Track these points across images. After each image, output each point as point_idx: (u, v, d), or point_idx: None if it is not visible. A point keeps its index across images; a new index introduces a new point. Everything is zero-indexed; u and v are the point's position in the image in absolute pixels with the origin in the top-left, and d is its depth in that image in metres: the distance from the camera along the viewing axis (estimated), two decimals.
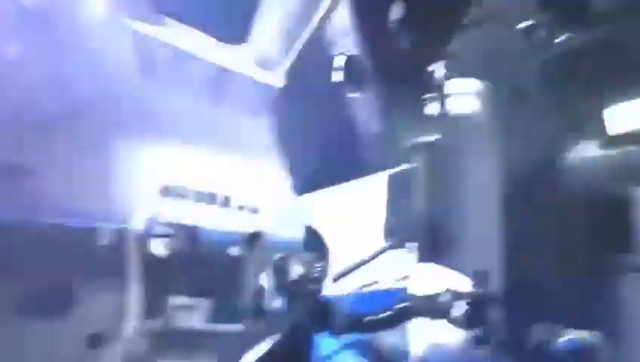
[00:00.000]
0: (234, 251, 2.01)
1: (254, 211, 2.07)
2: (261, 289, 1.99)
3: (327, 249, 1.66)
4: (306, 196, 1.86)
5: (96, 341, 2.53)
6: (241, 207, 2.05)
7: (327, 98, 1.51)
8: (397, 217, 1.50)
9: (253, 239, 2.00)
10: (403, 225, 1.37)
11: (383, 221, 1.57)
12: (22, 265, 2.12)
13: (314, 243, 1.80)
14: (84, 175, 1.67)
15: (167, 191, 1.89)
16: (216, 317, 2.42)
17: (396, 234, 1.43)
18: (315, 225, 1.84)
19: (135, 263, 1.75)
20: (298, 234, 2.27)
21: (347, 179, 1.49)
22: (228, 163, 1.96)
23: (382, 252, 1.34)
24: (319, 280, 1.01)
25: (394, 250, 1.35)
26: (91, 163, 1.73)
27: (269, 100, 1.61)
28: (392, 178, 1.55)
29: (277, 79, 1.64)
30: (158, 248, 1.80)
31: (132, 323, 2.32)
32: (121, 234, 1.73)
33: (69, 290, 2.35)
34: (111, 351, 2.48)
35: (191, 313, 2.35)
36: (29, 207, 1.79)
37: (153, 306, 1.95)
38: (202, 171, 1.98)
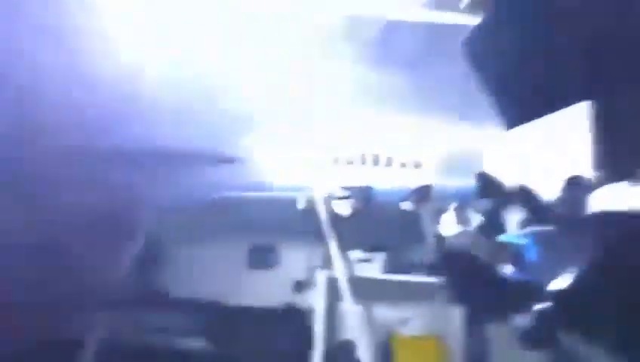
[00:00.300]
0: (406, 206, 2.11)
1: (417, 166, 2.10)
2: (440, 238, 2.05)
3: (506, 193, 1.54)
4: (505, 132, 1.74)
5: (300, 287, 3.15)
6: (403, 164, 2.11)
7: (531, 23, 1.33)
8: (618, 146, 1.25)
9: (422, 192, 2.05)
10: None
11: (594, 153, 1.34)
12: (245, 231, 2.80)
13: (489, 190, 1.70)
14: (277, 155, 2.04)
15: (339, 159, 2.11)
16: (391, 267, 2.63)
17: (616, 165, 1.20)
18: (490, 171, 1.73)
19: (324, 223, 2.05)
20: (466, 183, 2.19)
21: (557, 109, 1.31)
22: (389, 123, 2.03)
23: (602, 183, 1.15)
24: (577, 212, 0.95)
25: (616, 182, 1.14)
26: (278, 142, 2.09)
27: (450, 42, 1.54)
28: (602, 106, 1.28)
29: (461, 18, 1.55)
30: (341, 209, 2.05)
31: (325, 273, 2.77)
32: (312, 200, 2.05)
33: (278, 247, 2.98)
34: (311, 295, 3.05)
35: (369, 264, 2.64)
36: (241, 185, 2.32)
37: (340, 258, 2.24)
38: (367, 135, 2.11)
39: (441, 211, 2.10)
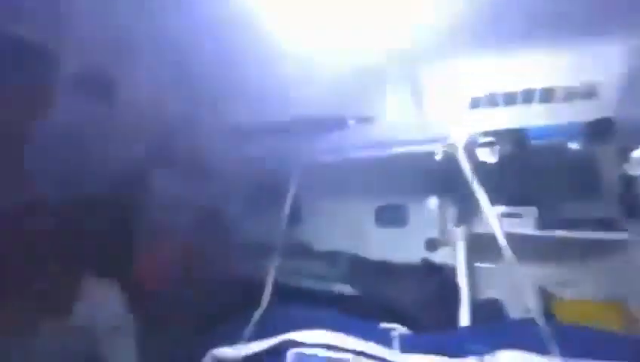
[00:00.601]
0: (574, 146, 1.74)
1: (590, 95, 1.68)
2: (629, 180, 1.63)
3: None
4: None
5: (432, 245, 3.09)
6: (569, 96, 1.72)
7: None
8: None
9: (598, 128, 1.64)
10: None
11: None
12: (380, 189, 2.86)
13: None
14: (412, 105, 1.93)
15: (479, 102, 1.86)
16: (549, 223, 2.29)
17: None
18: None
19: (467, 173, 1.87)
20: None
21: None
22: (542, 44, 1.65)
23: None
24: None
25: None
26: (408, 96, 1.97)
27: None
28: None
29: None
30: (486, 156, 1.83)
31: (463, 229, 2.62)
32: (451, 150, 1.89)
33: (408, 205, 2.97)
34: (444, 253, 2.96)
35: (519, 220, 2.35)
36: (374, 143, 2.32)
37: (485, 213, 2.04)
38: (511, 72, 1.79)
39: (627, 149, 1.65)
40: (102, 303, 1.58)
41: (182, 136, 2.14)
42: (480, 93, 1.88)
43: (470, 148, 1.85)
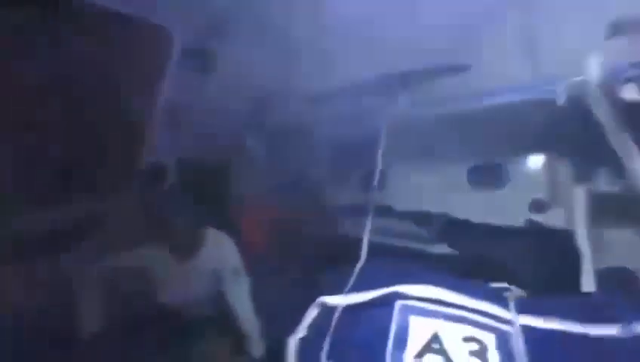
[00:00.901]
0: None
1: None
2: None
3: None
4: None
5: (539, 206, 2.75)
6: None
7: None
8: None
9: None
10: None
11: None
12: (469, 146, 2.61)
13: None
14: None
15: (622, 25, 1.49)
16: None
17: None
18: None
19: (603, 118, 1.56)
20: None
21: None
22: None
23: None
24: None
25: None
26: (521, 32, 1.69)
27: None
28: None
29: None
30: (634, 94, 1.49)
31: (584, 187, 2.25)
32: (579, 90, 1.58)
33: (505, 164, 2.66)
34: (552, 214, 2.61)
35: None
36: (469, 96, 2.09)
37: (609, 168, 1.70)
38: None
39: None
40: (222, 249, 1.80)
41: (275, 102, 2.20)
42: (624, 14, 1.51)
43: (609, 86, 1.52)
